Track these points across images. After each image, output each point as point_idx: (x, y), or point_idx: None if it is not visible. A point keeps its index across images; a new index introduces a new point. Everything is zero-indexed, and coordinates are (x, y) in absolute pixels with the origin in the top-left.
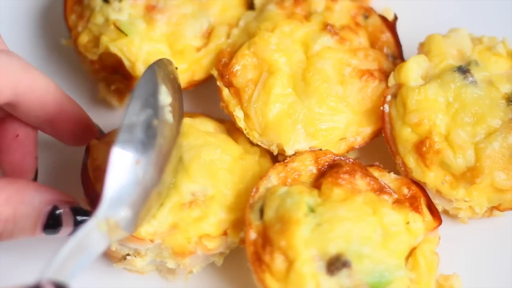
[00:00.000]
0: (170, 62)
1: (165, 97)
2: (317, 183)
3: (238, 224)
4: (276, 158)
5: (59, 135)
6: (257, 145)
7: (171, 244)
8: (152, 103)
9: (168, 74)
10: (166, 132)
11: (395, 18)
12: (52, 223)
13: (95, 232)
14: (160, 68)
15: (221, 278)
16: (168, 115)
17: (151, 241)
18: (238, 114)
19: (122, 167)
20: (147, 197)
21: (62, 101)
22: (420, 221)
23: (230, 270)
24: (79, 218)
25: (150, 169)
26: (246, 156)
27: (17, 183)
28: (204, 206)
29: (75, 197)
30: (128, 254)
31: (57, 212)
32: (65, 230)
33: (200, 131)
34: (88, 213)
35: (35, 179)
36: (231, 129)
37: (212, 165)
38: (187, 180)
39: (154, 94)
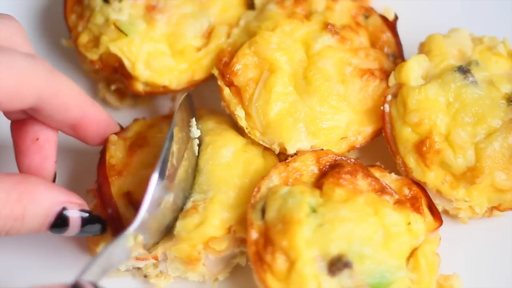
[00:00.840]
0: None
1: (195, 130)
2: (318, 183)
3: (244, 218)
4: (279, 157)
5: (81, 137)
6: None
7: (178, 254)
8: (185, 134)
9: (194, 108)
10: (192, 162)
11: (396, 18)
12: (59, 223)
13: (123, 244)
14: (191, 101)
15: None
16: (195, 147)
17: (155, 258)
18: (239, 113)
19: (157, 191)
20: (167, 219)
21: (85, 105)
22: (421, 221)
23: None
24: (85, 220)
25: (176, 194)
26: (250, 147)
27: (28, 181)
28: (204, 211)
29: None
30: (145, 276)
31: (66, 213)
32: (71, 231)
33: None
34: (96, 218)
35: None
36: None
37: (206, 166)
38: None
39: (187, 125)
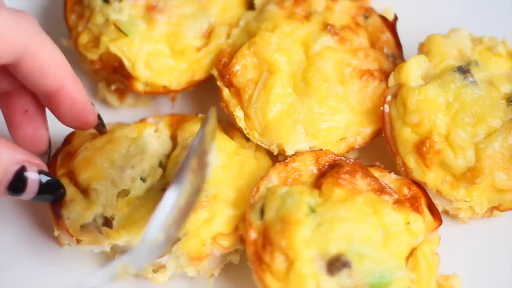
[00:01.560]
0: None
1: (213, 157)
2: (317, 183)
3: (244, 218)
4: (277, 158)
5: (54, 111)
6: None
7: (186, 250)
8: (203, 157)
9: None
10: (202, 184)
11: (395, 18)
12: (17, 184)
13: (108, 272)
14: (214, 119)
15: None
16: (210, 171)
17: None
18: (238, 114)
19: (169, 206)
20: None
21: (64, 77)
22: (420, 221)
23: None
24: (44, 183)
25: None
26: (241, 150)
27: None
28: (209, 207)
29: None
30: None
31: (25, 174)
32: (28, 193)
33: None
34: (54, 181)
35: (49, 149)
36: (227, 127)
37: None
38: None
39: (206, 150)
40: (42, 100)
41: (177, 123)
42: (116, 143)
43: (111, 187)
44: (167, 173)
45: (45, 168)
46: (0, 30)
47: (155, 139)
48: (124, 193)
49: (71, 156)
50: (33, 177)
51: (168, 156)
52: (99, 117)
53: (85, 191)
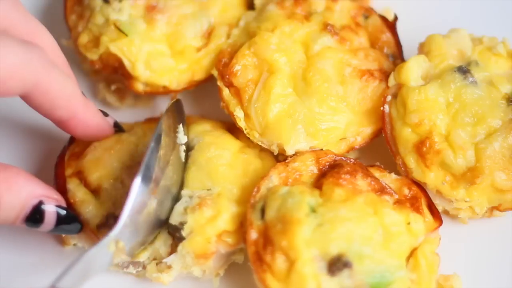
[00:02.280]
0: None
1: (182, 136)
2: (318, 183)
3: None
4: (277, 157)
5: (72, 134)
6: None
7: (192, 248)
8: (171, 139)
9: (183, 114)
10: (177, 168)
11: (395, 18)
12: (35, 217)
13: (104, 250)
14: (179, 107)
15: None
16: (182, 154)
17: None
18: (239, 114)
19: (139, 196)
20: (151, 224)
21: (75, 107)
22: (420, 221)
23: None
24: (61, 217)
25: (158, 199)
26: (246, 150)
27: (7, 170)
28: (214, 204)
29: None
30: (143, 267)
31: (42, 207)
32: (45, 226)
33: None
34: (72, 216)
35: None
36: (232, 127)
37: (209, 164)
38: (184, 187)
39: (174, 131)
40: (57, 125)
41: None
42: (126, 143)
43: (121, 187)
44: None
45: (63, 203)
46: (10, 68)
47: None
48: None
49: (78, 156)
50: (51, 209)
51: None
52: (116, 124)
53: (95, 191)
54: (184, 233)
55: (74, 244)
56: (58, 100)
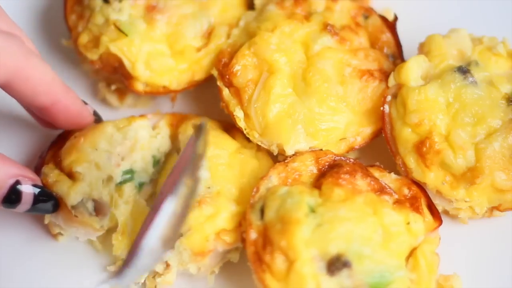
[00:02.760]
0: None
1: (204, 172)
2: (317, 183)
3: (244, 216)
4: (276, 158)
5: (53, 122)
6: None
7: (189, 245)
8: (194, 171)
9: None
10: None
11: (395, 18)
12: (11, 198)
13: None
14: (206, 133)
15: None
16: (200, 187)
17: None
18: (238, 114)
19: (167, 218)
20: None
21: (56, 94)
22: (420, 221)
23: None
24: (38, 196)
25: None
26: (243, 150)
27: None
28: (213, 203)
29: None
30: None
31: (19, 187)
32: (22, 206)
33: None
34: (49, 194)
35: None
36: (229, 127)
37: (209, 163)
38: None
39: (197, 164)
40: (37, 112)
41: (178, 122)
42: (101, 129)
43: (95, 170)
44: (164, 171)
45: (39, 182)
46: None
47: (146, 132)
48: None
49: (60, 147)
50: (28, 190)
51: (166, 155)
52: (95, 113)
53: (70, 175)
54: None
55: (60, 233)
56: (39, 87)
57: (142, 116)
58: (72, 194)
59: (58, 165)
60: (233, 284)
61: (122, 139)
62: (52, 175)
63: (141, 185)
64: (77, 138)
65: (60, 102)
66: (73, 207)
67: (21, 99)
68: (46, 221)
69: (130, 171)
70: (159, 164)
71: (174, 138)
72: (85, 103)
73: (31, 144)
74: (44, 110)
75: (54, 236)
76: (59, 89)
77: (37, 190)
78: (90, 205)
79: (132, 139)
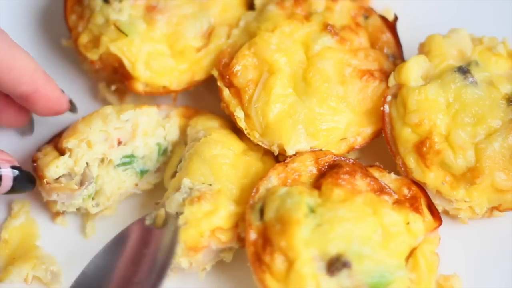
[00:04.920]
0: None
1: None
2: (317, 183)
3: (244, 217)
4: (277, 158)
5: (32, 109)
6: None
7: (184, 238)
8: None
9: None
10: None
11: (395, 18)
12: None
13: None
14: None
15: (231, 276)
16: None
17: None
18: (239, 115)
19: None
20: None
21: (37, 82)
22: (420, 221)
23: (239, 267)
24: (17, 178)
25: None
26: (249, 152)
27: None
28: (213, 200)
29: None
30: None
31: None
32: (3, 188)
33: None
34: (26, 174)
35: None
36: (236, 128)
37: (213, 160)
38: (185, 175)
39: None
40: (17, 100)
41: (190, 115)
42: (101, 111)
43: (86, 147)
44: (170, 162)
45: (16, 163)
46: None
47: (150, 119)
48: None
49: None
50: (6, 173)
51: (173, 144)
52: (71, 102)
53: (62, 152)
54: (179, 222)
55: (63, 212)
56: (22, 77)
57: (156, 106)
58: (52, 166)
59: (56, 146)
60: (223, 283)
61: (117, 121)
62: (44, 151)
63: (142, 172)
64: (78, 121)
65: (41, 90)
66: (56, 180)
67: (3, 88)
68: (45, 200)
69: (131, 156)
70: (167, 153)
71: (184, 129)
72: (62, 91)
73: (29, 139)
74: (24, 98)
75: (54, 216)
76: (41, 77)
77: (15, 172)
78: (77, 179)
79: (132, 124)
